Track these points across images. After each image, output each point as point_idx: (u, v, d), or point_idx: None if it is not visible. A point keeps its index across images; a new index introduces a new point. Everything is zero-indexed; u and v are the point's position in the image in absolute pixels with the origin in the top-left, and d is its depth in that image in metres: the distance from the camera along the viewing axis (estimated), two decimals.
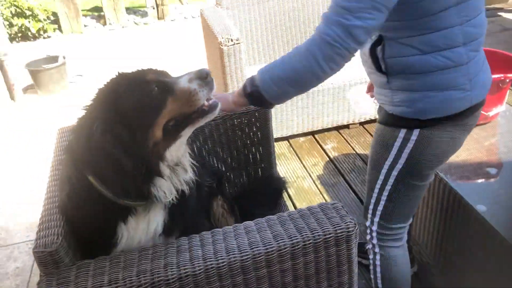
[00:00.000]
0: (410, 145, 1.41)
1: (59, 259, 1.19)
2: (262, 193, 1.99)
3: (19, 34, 5.81)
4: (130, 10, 6.68)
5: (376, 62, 1.37)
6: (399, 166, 1.46)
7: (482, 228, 1.66)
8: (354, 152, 2.97)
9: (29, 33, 5.85)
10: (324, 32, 1.20)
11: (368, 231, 1.65)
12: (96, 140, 1.11)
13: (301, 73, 1.26)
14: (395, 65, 1.33)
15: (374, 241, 1.64)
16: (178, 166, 1.24)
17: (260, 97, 1.32)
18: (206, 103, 1.22)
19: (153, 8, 6.33)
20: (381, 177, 1.51)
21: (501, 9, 5.42)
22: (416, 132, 1.39)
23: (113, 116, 1.13)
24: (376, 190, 1.55)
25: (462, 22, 1.27)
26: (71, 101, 4.10)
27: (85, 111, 1.23)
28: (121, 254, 1.22)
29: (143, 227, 1.26)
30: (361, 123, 3.22)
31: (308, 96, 3.01)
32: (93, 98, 1.24)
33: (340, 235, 1.23)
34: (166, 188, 1.20)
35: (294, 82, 1.29)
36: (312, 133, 3.20)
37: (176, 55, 5.06)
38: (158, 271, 1.15)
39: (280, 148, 3.09)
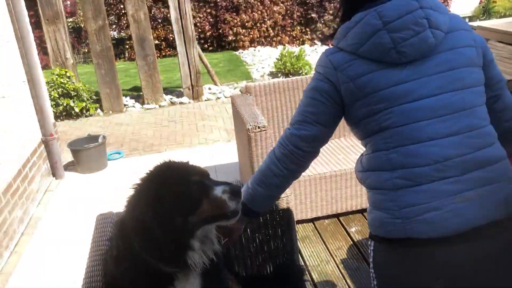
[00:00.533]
0: (371, 254, 1.43)
1: None
2: (276, 279, 2.07)
3: (64, 113, 6.25)
4: (167, 90, 7.11)
5: None
6: (373, 275, 1.45)
7: None
8: None
9: (73, 112, 6.29)
10: (280, 138, 1.50)
11: None
12: (146, 225, 1.32)
13: (264, 170, 1.51)
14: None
15: None
16: (206, 239, 1.42)
17: (243, 204, 1.48)
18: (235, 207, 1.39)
19: (189, 89, 6.72)
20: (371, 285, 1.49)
21: None
22: (372, 242, 1.41)
23: (160, 205, 1.33)
24: None
25: (387, 148, 1.31)
26: (108, 180, 4.34)
27: (135, 192, 1.40)
28: None
29: None
30: None
31: (332, 179, 3.12)
32: (143, 179, 1.41)
33: None
34: (197, 258, 1.38)
35: (259, 181, 1.52)
36: (337, 216, 3.27)
37: (209, 130, 5.32)
38: None
39: (305, 231, 3.16)
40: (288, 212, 2.07)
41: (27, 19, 4.12)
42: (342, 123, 1.51)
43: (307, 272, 2.72)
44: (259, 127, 2.94)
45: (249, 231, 2.07)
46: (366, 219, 1.50)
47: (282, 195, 2.04)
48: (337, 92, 1.37)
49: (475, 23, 4.97)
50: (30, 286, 2.92)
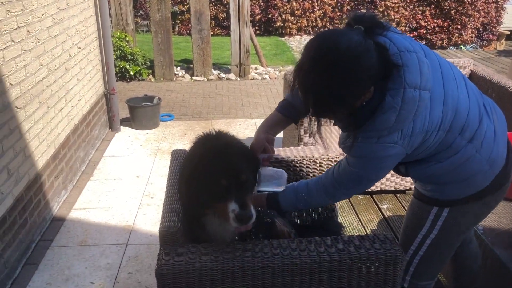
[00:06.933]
0: (442, 219, 1.71)
1: (176, 239, 1.60)
2: (322, 230, 2.35)
3: (119, 75, 6.64)
4: (215, 66, 7.43)
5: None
6: (432, 236, 1.75)
7: None
8: None
9: (127, 75, 6.68)
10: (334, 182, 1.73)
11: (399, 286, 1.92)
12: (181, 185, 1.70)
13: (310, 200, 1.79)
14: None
15: None
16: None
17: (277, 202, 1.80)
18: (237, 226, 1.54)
19: (236, 67, 7.02)
20: (415, 244, 1.80)
21: None
22: (447, 209, 1.70)
23: (194, 180, 1.59)
24: (409, 255, 1.83)
25: (461, 131, 1.56)
26: (160, 137, 4.69)
27: (191, 150, 1.73)
28: (220, 244, 1.61)
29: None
30: None
31: None
32: (195, 141, 1.71)
33: (389, 257, 1.56)
34: (216, 229, 1.66)
35: (303, 204, 1.81)
36: (371, 193, 3.52)
37: (253, 106, 5.62)
38: (247, 260, 1.53)
39: (340, 202, 3.41)
40: None
41: None
42: None
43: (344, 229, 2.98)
44: None
45: None
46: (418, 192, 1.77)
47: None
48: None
49: None
50: (89, 215, 3.29)
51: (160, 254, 1.57)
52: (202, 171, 1.57)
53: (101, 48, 4.58)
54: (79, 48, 3.98)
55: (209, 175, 1.55)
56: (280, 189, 1.76)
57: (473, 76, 3.75)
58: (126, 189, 3.67)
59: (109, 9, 6.64)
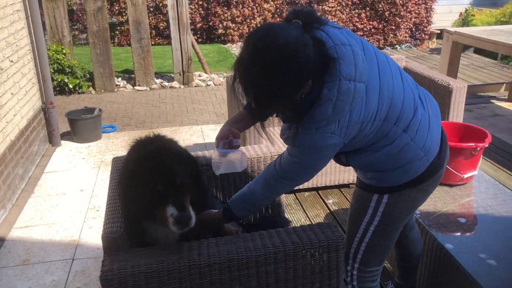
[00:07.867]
0: (383, 205, 1.80)
1: (120, 244, 1.58)
2: (269, 226, 2.39)
3: (57, 88, 6.43)
4: (157, 75, 7.35)
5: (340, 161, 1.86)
6: (375, 222, 1.83)
7: (448, 262, 2.03)
8: None
9: (66, 88, 6.48)
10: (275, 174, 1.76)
11: (349, 273, 1.97)
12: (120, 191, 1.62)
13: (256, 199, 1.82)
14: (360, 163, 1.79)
15: (355, 282, 1.97)
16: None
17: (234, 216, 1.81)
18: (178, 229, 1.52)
19: (180, 75, 6.99)
20: (360, 231, 1.88)
21: (494, 97, 5.98)
22: (386, 196, 1.78)
23: (131, 187, 1.55)
24: (355, 242, 1.91)
25: (396, 121, 1.64)
26: (102, 150, 4.59)
27: (126, 156, 1.68)
28: (164, 246, 1.61)
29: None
30: None
31: None
32: (131, 146, 1.67)
33: (331, 244, 1.62)
34: (157, 235, 1.62)
35: (252, 205, 1.83)
36: (317, 189, 3.61)
37: (199, 113, 5.60)
38: (193, 258, 1.53)
39: (287, 199, 3.48)
40: None
41: None
42: None
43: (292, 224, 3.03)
44: None
45: None
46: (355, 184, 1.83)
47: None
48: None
49: (452, 29, 5.40)
50: (31, 232, 3.16)
51: (104, 260, 1.54)
52: (136, 178, 1.54)
53: (36, 61, 4.43)
54: (12, 61, 3.83)
55: (144, 181, 1.52)
56: (240, 169, 1.74)
57: (405, 72, 3.93)
58: (70, 203, 3.56)
59: (44, 22, 6.43)
